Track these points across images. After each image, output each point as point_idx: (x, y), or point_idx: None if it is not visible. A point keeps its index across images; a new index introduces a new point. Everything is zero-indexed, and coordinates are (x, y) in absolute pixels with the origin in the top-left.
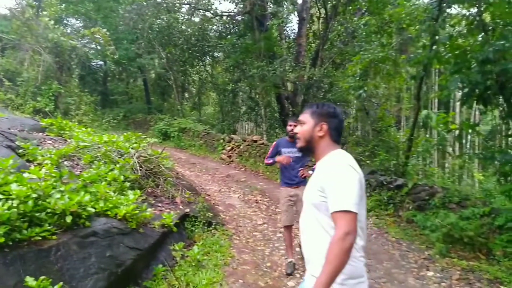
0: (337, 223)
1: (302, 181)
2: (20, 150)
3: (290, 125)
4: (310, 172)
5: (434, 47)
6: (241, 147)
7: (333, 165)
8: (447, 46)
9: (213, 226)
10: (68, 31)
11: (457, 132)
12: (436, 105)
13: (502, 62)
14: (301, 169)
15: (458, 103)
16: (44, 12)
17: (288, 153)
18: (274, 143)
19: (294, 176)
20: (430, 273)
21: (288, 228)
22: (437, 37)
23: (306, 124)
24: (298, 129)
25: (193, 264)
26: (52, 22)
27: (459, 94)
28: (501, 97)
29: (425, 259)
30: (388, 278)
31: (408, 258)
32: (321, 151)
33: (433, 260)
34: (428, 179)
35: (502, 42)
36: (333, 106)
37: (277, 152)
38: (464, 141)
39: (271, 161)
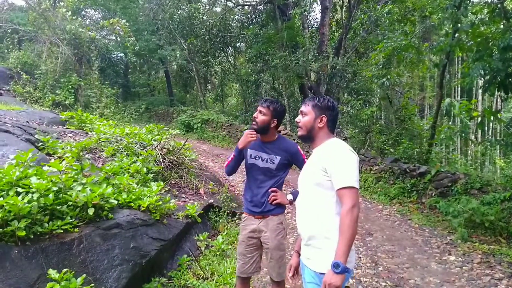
0: (343, 198)
1: (271, 210)
2: (40, 144)
3: (260, 111)
4: (290, 197)
5: (456, 35)
6: None
7: (335, 149)
8: (469, 33)
9: (237, 216)
10: (87, 22)
11: (479, 119)
12: (459, 93)
13: None
14: (273, 190)
15: (480, 91)
16: (61, 3)
17: (253, 159)
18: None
19: (259, 201)
20: (452, 258)
21: (242, 282)
22: (459, 25)
23: (308, 116)
24: (299, 119)
25: (218, 253)
26: (70, 13)
27: (481, 82)
28: None
29: (447, 244)
30: (411, 263)
31: (431, 244)
32: (319, 139)
33: (455, 245)
34: (450, 166)
35: None
36: (331, 99)
37: (240, 156)
38: (486, 128)
39: (227, 163)
